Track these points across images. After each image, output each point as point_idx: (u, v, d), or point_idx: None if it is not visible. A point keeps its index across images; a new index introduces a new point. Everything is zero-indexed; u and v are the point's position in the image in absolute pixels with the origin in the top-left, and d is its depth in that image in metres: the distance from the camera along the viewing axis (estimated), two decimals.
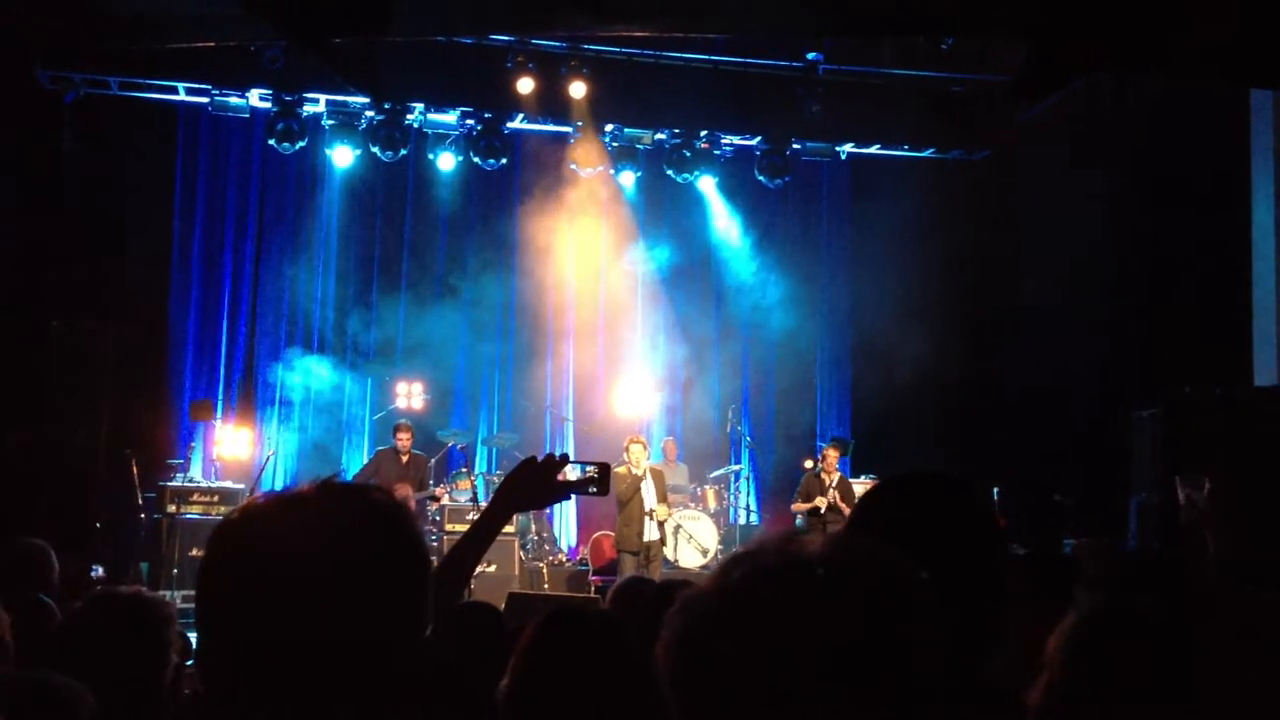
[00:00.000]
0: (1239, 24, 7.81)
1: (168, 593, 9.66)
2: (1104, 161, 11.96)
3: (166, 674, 2.57)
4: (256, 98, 12.86)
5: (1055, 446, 12.18)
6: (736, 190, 14.67)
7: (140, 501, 11.15)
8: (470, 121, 13.40)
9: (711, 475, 13.40)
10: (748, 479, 14.36)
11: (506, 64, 12.69)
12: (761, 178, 14.01)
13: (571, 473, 2.48)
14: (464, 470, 12.71)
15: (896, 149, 14.57)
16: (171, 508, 11.18)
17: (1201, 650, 1.89)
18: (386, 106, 12.90)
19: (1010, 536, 1.83)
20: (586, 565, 12.40)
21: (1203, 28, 7.83)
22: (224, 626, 1.30)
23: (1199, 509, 8.70)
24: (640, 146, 14.09)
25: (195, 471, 12.36)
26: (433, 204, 14.17)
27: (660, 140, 14.03)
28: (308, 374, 13.42)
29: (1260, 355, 10.86)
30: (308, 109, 12.94)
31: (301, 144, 12.84)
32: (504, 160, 13.43)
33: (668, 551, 11.30)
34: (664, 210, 14.78)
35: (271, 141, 12.79)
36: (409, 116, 13.23)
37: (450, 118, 13.56)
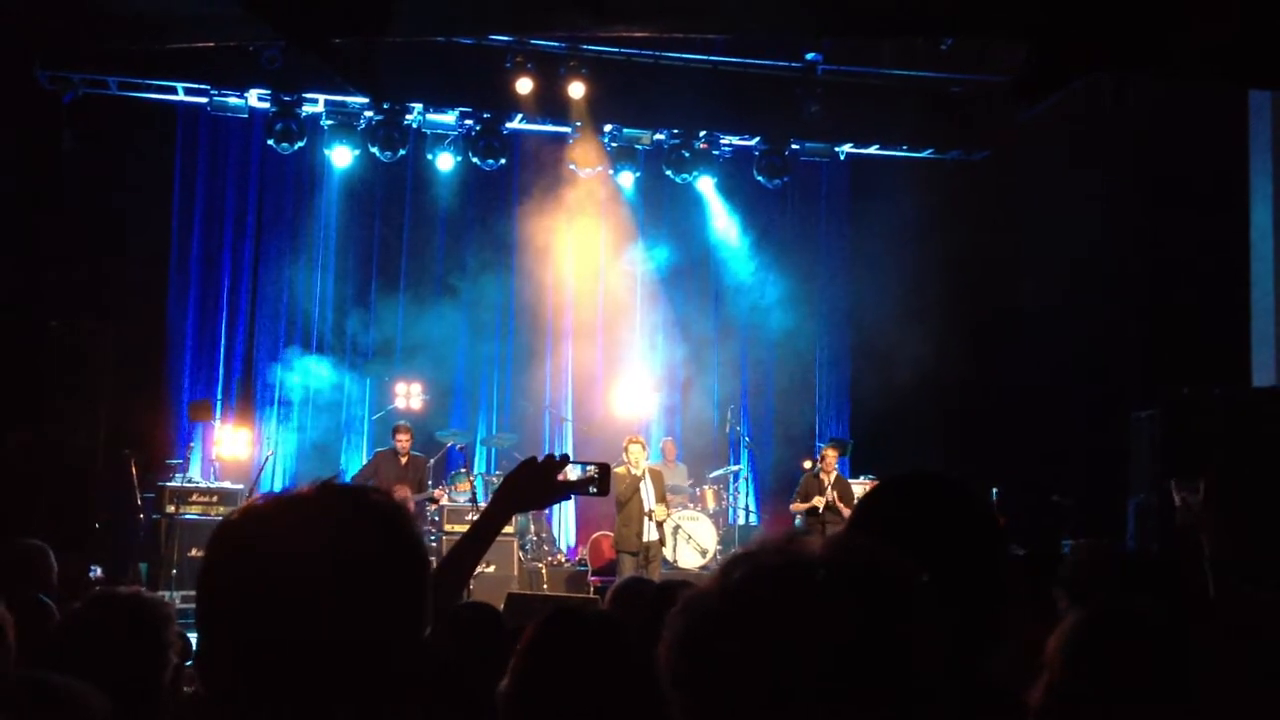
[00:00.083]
0: (1239, 24, 7.81)
1: (167, 593, 9.66)
2: (1103, 162, 11.96)
3: (166, 674, 2.57)
4: (255, 98, 12.86)
5: (1054, 447, 12.18)
6: (735, 190, 14.67)
7: (139, 502, 11.14)
8: (469, 122, 13.40)
9: (710, 475, 13.40)
10: (747, 479, 14.36)
11: (505, 64, 12.69)
12: (760, 178, 14.01)
13: (571, 473, 2.48)
14: (463, 470, 12.71)
15: (895, 149, 14.57)
16: (170, 508, 11.17)
17: (1200, 650, 1.89)
18: (385, 107, 12.90)
19: (1009, 537, 1.83)
20: (585, 566, 12.40)
21: (1203, 28, 7.83)
22: (224, 627, 1.30)
23: (1194, 512, 8.71)
24: (639, 147, 14.09)
25: (194, 472, 12.37)
26: (432, 204, 14.17)
27: (659, 140, 14.03)
28: (307, 374, 13.42)
29: (1259, 356, 10.86)
30: (306, 109, 12.94)
31: (300, 144, 12.84)
32: (503, 160, 13.43)
33: (667, 552, 11.30)
34: (663, 210, 14.79)
35: (270, 142, 12.79)
36: (408, 117, 13.23)
37: (449, 118, 13.56)
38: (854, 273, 14.82)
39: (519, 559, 11.63)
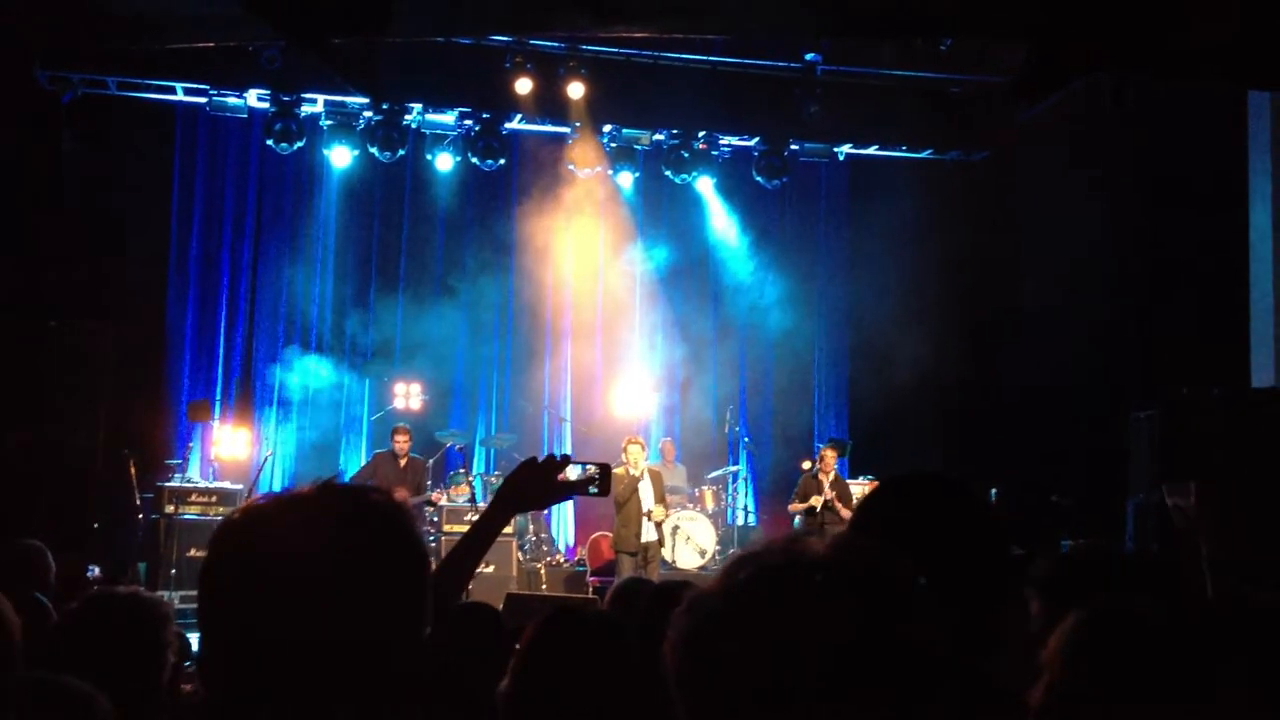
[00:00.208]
0: (1239, 24, 7.81)
1: (165, 593, 9.65)
2: (1103, 162, 11.96)
3: (164, 674, 2.57)
4: (255, 98, 12.86)
5: (1053, 447, 12.18)
6: (734, 191, 14.68)
7: (138, 502, 11.15)
8: (468, 122, 13.40)
9: (709, 476, 13.40)
10: (745, 480, 14.36)
11: (505, 64, 12.69)
12: (759, 178, 14.02)
13: (571, 473, 2.48)
14: (462, 471, 12.71)
15: (895, 149, 14.57)
16: (170, 508, 11.16)
17: (1201, 651, 1.89)
18: (384, 107, 12.90)
19: (1009, 537, 1.83)
20: (584, 566, 12.39)
21: (1203, 28, 7.83)
22: (225, 627, 1.30)
23: (1188, 515, 8.72)
24: (638, 147, 14.09)
25: (193, 472, 12.37)
26: (431, 204, 14.17)
27: (658, 141, 14.04)
28: (306, 374, 13.42)
29: (1258, 356, 10.86)
30: (306, 109, 12.95)
31: (300, 144, 12.84)
32: (502, 161, 13.43)
33: (665, 552, 11.30)
34: (662, 211, 14.79)
35: (270, 142, 12.79)
36: (407, 117, 13.23)
37: (448, 118, 13.56)
38: (853, 273, 14.82)
39: (518, 559, 11.63)
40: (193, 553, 10.91)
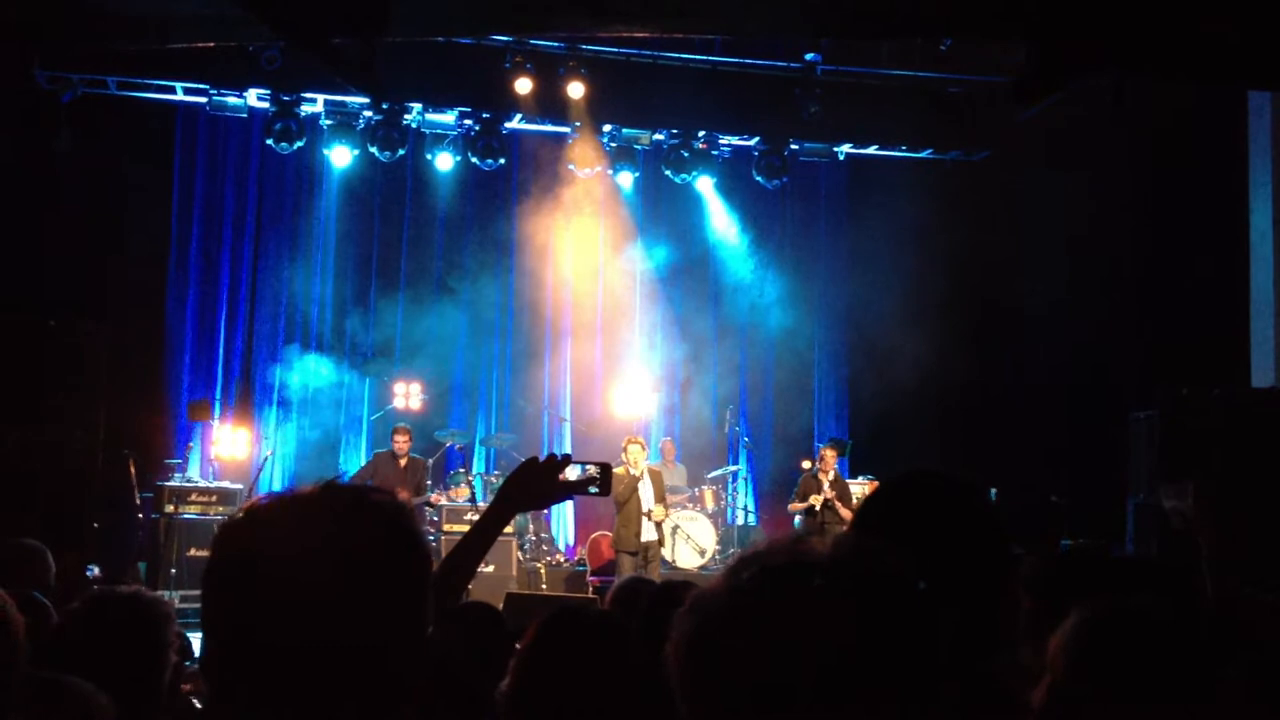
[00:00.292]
0: (1239, 24, 7.81)
1: (165, 592, 9.65)
2: (1103, 162, 11.97)
3: (166, 674, 2.56)
4: (254, 98, 12.86)
5: (1053, 447, 12.19)
6: (734, 190, 14.68)
7: (138, 501, 11.14)
8: (468, 121, 13.40)
9: (709, 476, 13.40)
10: (745, 479, 14.36)
11: (504, 64, 12.69)
12: (759, 178, 14.02)
13: (572, 473, 2.48)
14: (461, 470, 12.72)
15: (895, 149, 14.57)
16: (169, 507, 11.16)
17: (1201, 651, 1.89)
18: (384, 106, 12.89)
19: (1011, 537, 1.83)
20: (584, 566, 12.39)
21: (1203, 28, 7.83)
22: (228, 627, 1.30)
23: (1185, 517, 8.72)
24: (638, 147, 14.09)
25: (193, 471, 12.37)
26: (431, 204, 14.17)
27: (658, 140, 14.04)
28: (306, 374, 13.42)
29: (1257, 356, 10.87)
30: (306, 109, 12.94)
31: (299, 144, 12.83)
32: (502, 160, 13.43)
33: (666, 552, 11.30)
34: (662, 210, 14.79)
35: (269, 141, 12.79)
36: (407, 116, 13.23)
37: (448, 118, 13.56)
38: (853, 273, 14.82)
39: (518, 559, 11.63)
40: (192, 552, 10.91)
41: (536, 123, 13.70)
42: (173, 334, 13.35)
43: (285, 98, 12.61)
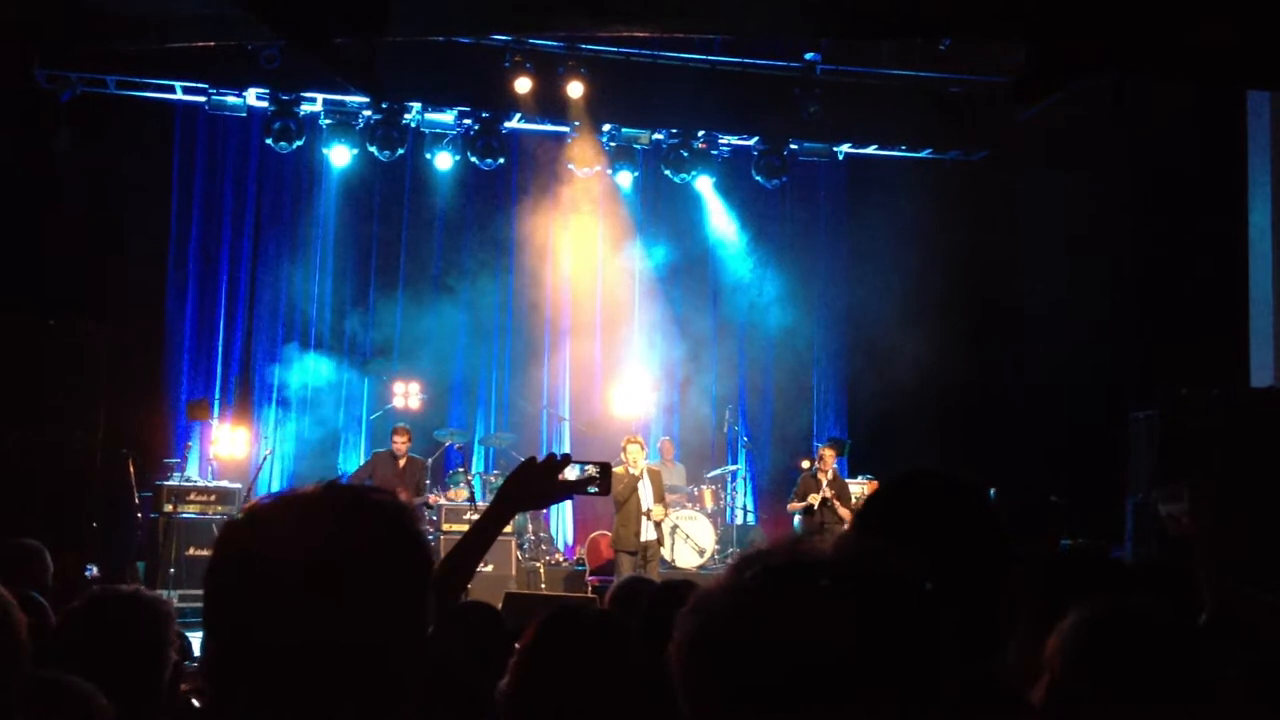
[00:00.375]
0: (1239, 24, 7.82)
1: (164, 592, 9.64)
2: (1103, 162, 11.97)
3: (166, 673, 2.56)
4: (254, 97, 12.86)
5: (1053, 447, 12.19)
6: (734, 190, 14.68)
7: (137, 501, 11.14)
8: (467, 121, 13.40)
9: (708, 475, 13.40)
10: (745, 479, 14.36)
11: (504, 63, 12.69)
12: (759, 178, 14.02)
13: (571, 473, 2.48)
14: (460, 470, 12.71)
15: (894, 149, 14.57)
16: (168, 507, 11.16)
17: (1201, 651, 1.89)
18: (384, 106, 12.89)
19: (1011, 537, 1.83)
20: (583, 565, 12.39)
21: (1203, 28, 7.84)
22: (229, 627, 1.30)
23: (1181, 523, 8.72)
24: (637, 146, 14.09)
25: (192, 471, 12.36)
26: (430, 203, 14.17)
27: (658, 140, 14.04)
28: (305, 373, 13.42)
29: (1257, 356, 10.88)
30: (305, 108, 12.94)
31: (299, 143, 12.84)
32: (501, 160, 13.43)
33: (665, 552, 11.30)
34: (661, 210, 14.79)
35: (269, 141, 12.79)
36: (406, 116, 13.23)
37: (447, 117, 13.55)
38: (852, 272, 14.81)
39: (517, 558, 11.64)
40: (191, 551, 10.92)
41: (536, 122, 13.71)
42: (172, 333, 13.35)
43: (284, 97, 12.61)
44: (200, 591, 1.37)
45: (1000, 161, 13.83)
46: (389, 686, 1.30)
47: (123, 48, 11.49)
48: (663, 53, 12.98)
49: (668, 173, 13.96)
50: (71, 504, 9.23)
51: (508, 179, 14.29)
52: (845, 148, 14.48)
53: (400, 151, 13.20)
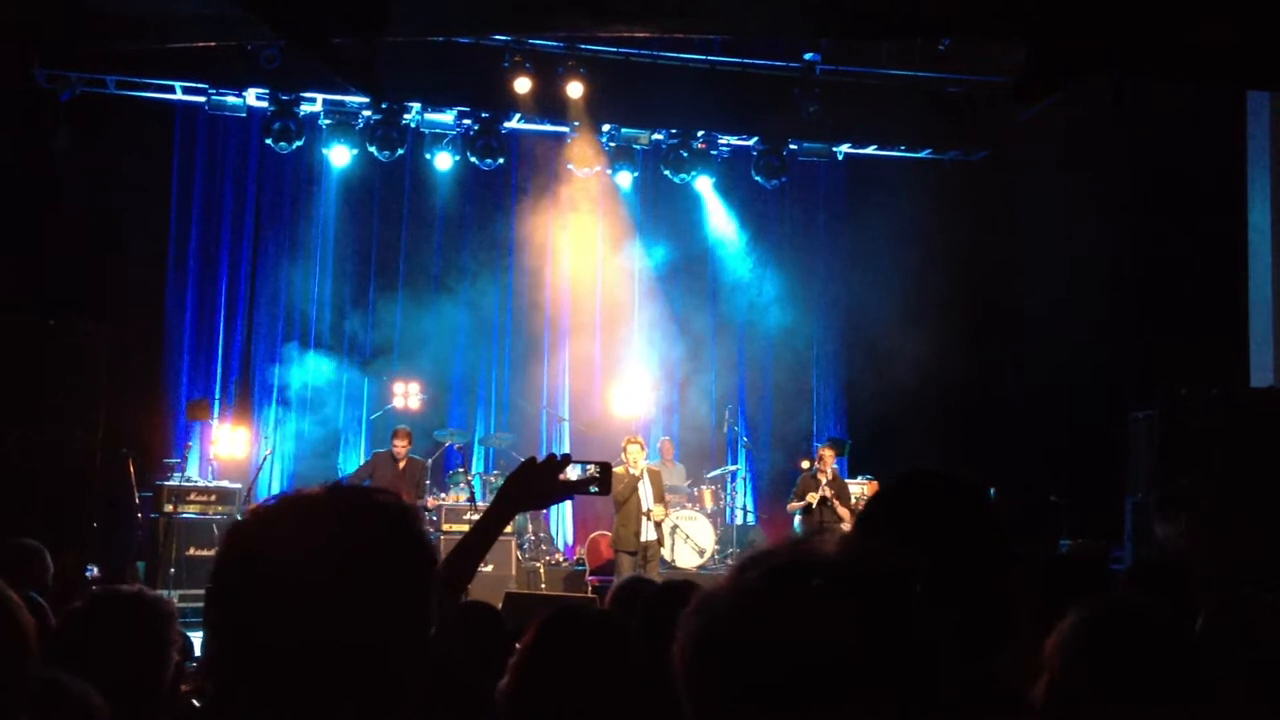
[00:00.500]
0: (1239, 24, 7.82)
1: (165, 592, 9.64)
2: (1102, 162, 11.97)
3: (167, 673, 2.56)
4: (253, 97, 12.85)
5: (1052, 447, 12.19)
6: (733, 190, 14.69)
7: (137, 501, 11.14)
8: (467, 121, 13.40)
9: (708, 475, 13.40)
10: (744, 479, 14.36)
11: (504, 64, 12.69)
12: (758, 178, 14.02)
13: (572, 473, 2.49)
14: (460, 470, 12.71)
15: (893, 149, 14.57)
16: (168, 507, 11.16)
17: (1201, 651, 1.90)
18: (384, 106, 12.89)
19: (1011, 537, 1.83)
20: (583, 565, 12.39)
21: (1203, 28, 7.84)
22: (231, 628, 1.30)
23: (1179, 544, 8.71)
24: (637, 146, 14.09)
25: (192, 471, 12.35)
26: (429, 203, 14.17)
27: (657, 140, 14.04)
28: (305, 373, 13.42)
29: (1256, 356, 10.89)
30: (305, 108, 12.94)
31: (298, 143, 12.84)
32: (501, 160, 13.43)
33: (665, 552, 11.30)
34: (661, 210, 14.79)
35: (268, 141, 12.79)
36: (406, 116, 13.23)
37: (447, 117, 13.55)
38: (852, 272, 14.82)
39: (517, 558, 11.63)
40: (191, 551, 10.91)
41: (535, 122, 13.71)
42: (171, 333, 13.35)
43: (284, 97, 12.61)
44: (200, 591, 1.38)
45: (1000, 161, 13.83)
46: (390, 686, 1.30)
47: (123, 48, 11.49)
48: (662, 53, 12.98)
49: (667, 173, 13.96)
50: (71, 504, 9.23)
51: (507, 179, 14.29)
52: (845, 148, 14.48)
53: (400, 152, 13.21)
